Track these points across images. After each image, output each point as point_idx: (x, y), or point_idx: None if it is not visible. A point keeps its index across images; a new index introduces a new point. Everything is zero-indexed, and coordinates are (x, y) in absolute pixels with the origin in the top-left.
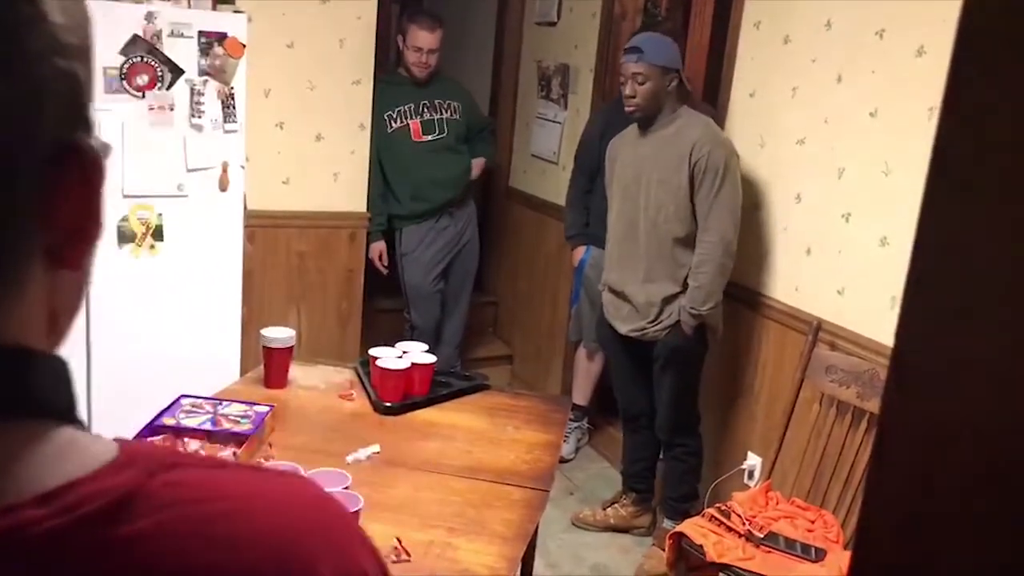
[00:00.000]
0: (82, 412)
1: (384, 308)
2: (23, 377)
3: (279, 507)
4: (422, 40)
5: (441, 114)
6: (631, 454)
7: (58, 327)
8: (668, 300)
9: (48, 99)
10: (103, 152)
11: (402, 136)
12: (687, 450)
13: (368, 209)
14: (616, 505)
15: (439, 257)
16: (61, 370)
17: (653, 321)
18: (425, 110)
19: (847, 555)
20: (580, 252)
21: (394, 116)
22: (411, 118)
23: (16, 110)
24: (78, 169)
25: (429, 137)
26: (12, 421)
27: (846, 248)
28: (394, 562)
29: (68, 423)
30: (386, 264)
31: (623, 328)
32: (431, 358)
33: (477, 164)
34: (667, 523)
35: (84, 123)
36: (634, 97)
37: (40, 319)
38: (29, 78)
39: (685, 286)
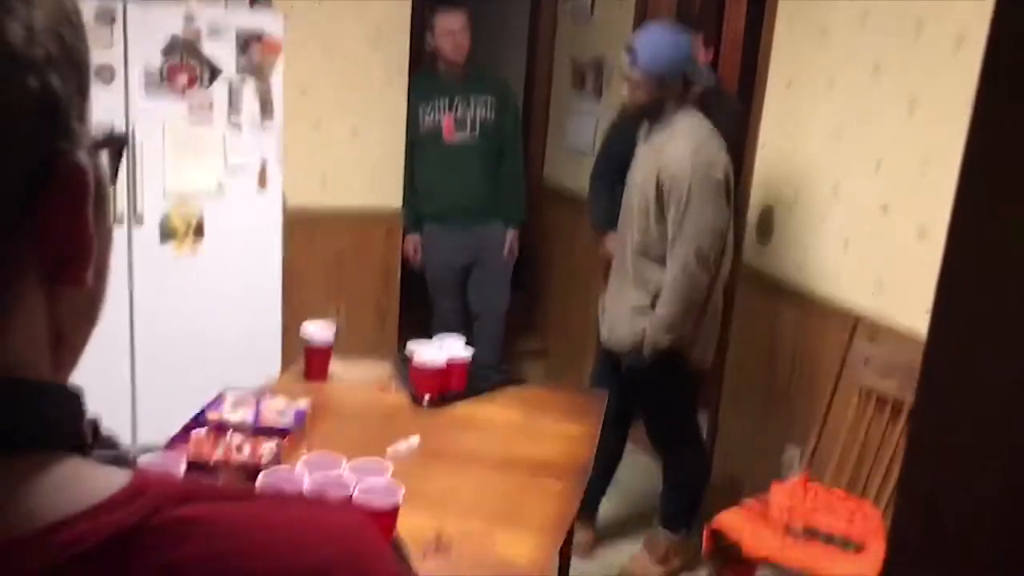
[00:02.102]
0: (88, 438)
1: (422, 303)
2: (16, 410)
3: (301, 543)
4: (452, 22)
5: (475, 112)
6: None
7: (65, 348)
8: (637, 311)
9: (20, 118)
10: (93, 163)
11: (433, 132)
12: (673, 466)
13: (403, 205)
14: None
15: (457, 253)
16: (63, 399)
17: (617, 331)
18: (459, 106)
19: None
20: (610, 241)
21: (427, 111)
22: (444, 113)
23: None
24: (62, 184)
25: (460, 135)
26: (5, 457)
27: (884, 240)
28: (434, 552)
29: (74, 454)
30: (421, 258)
31: (602, 331)
32: (468, 352)
33: (511, 237)
34: (661, 533)
35: (67, 135)
36: (628, 98)
37: (39, 343)
38: (17, 84)
39: (655, 301)
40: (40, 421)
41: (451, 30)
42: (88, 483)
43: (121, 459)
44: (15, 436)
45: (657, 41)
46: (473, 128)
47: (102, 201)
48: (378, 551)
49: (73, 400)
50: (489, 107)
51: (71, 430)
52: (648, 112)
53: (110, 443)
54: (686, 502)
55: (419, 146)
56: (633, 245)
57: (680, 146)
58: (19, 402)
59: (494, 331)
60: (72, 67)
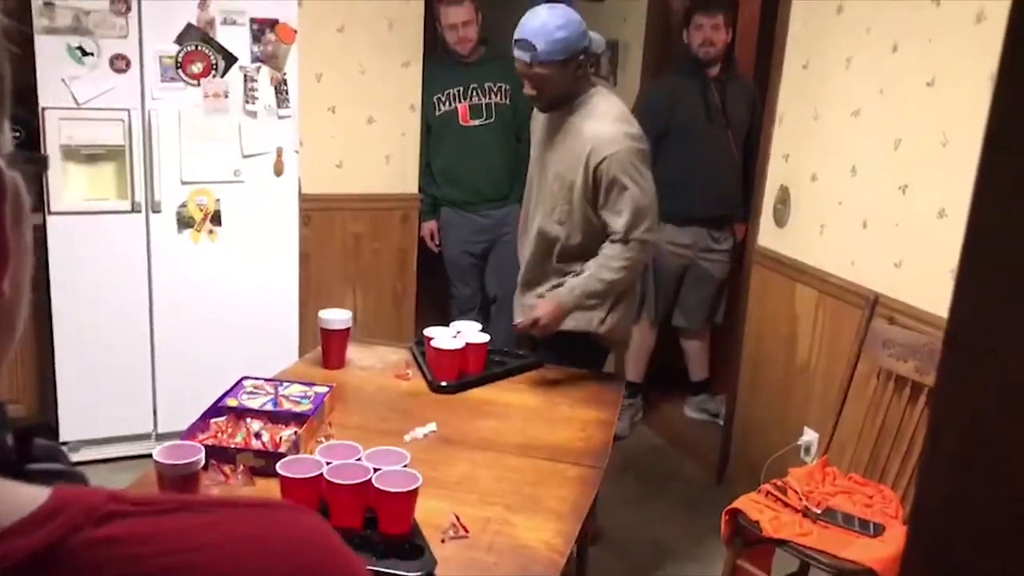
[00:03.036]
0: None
1: (438, 287)
2: None
3: (241, 558)
4: (453, 16)
5: (490, 98)
6: None
7: None
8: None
9: None
10: (12, 174)
11: (449, 120)
12: None
13: (419, 190)
14: None
15: (475, 237)
16: None
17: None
18: (474, 93)
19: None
20: None
21: (442, 99)
22: (459, 101)
23: None
24: None
25: (477, 122)
26: None
27: (903, 220)
28: (452, 538)
29: None
30: (438, 243)
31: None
32: (485, 337)
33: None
34: None
35: None
36: (537, 95)
37: None
38: None
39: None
40: None
41: (454, 24)
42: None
43: (64, 474)
44: None
45: (550, 25)
46: (489, 114)
47: (20, 214)
48: (336, 559)
49: None
50: (504, 93)
51: None
52: (559, 102)
53: (51, 456)
54: None
55: (436, 131)
56: (555, 234)
57: (602, 123)
58: None
59: (512, 315)
60: None
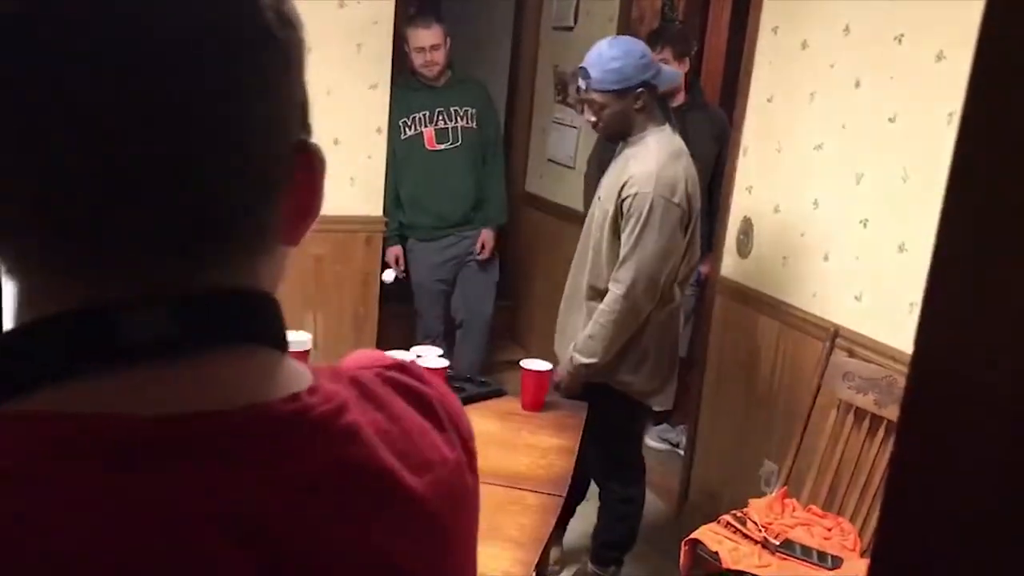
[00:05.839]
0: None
1: (401, 312)
2: (272, 317)
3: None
4: (421, 39)
5: (456, 122)
6: None
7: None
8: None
9: (296, 109)
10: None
11: (415, 144)
12: (608, 499)
13: (384, 213)
14: None
15: (444, 261)
16: (281, 314)
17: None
18: (440, 118)
19: (864, 563)
20: None
21: (408, 123)
22: (425, 126)
23: (282, 122)
24: (309, 164)
25: (443, 146)
26: (265, 348)
27: (864, 254)
28: None
29: (285, 352)
30: (403, 269)
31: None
32: (443, 363)
33: (486, 237)
34: (590, 567)
35: (308, 126)
36: (595, 122)
37: (272, 281)
38: (292, 94)
39: None
40: (280, 327)
41: (422, 47)
42: (303, 370)
43: None
44: (270, 336)
45: (605, 55)
46: (455, 139)
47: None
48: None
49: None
50: (470, 116)
51: (284, 336)
52: (619, 132)
53: None
54: (616, 538)
55: (401, 155)
56: (589, 269)
57: (645, 163)
58: (274, 313)
59: (479, 339)
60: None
